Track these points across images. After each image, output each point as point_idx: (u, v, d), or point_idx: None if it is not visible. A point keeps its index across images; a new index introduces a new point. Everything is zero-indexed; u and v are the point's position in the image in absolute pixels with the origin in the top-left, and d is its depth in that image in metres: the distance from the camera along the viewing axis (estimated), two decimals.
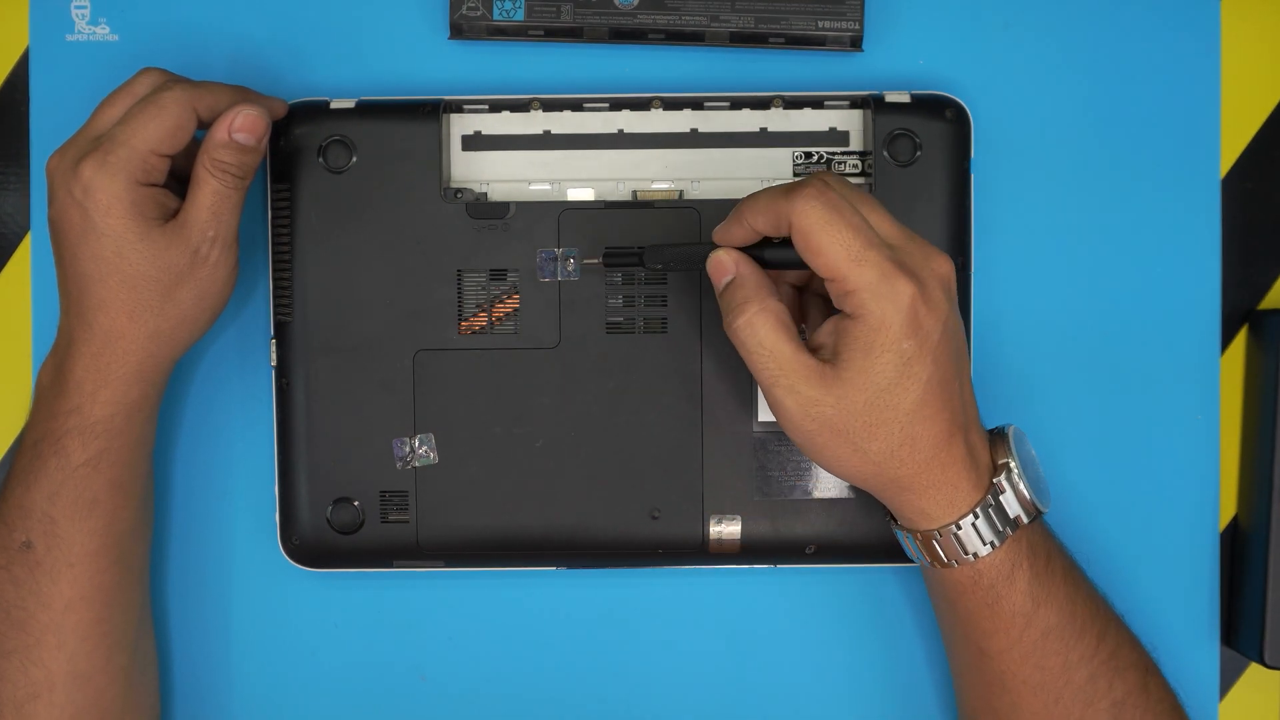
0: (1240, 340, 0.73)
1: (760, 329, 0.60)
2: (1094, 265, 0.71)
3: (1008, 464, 0.62)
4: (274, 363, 0.69)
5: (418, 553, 0.69)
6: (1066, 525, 0.71)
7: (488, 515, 0.69)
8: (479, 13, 0.70)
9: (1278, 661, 0.70)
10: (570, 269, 0.68)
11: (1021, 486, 0.62)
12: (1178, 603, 0.72)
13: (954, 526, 0.61)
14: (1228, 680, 0.72)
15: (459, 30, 0.70)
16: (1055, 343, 0.71)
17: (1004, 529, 0.61)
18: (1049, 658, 0.62)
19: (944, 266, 0.60)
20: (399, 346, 0.69)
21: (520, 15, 0.70)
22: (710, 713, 0.72)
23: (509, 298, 0.69)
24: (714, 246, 0.62)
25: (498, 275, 0.68)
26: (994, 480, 0.62)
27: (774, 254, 0.61)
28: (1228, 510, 0.73)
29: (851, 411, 0.59)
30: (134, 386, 0.64)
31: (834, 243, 0.58)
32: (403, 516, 0.69)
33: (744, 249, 0.62)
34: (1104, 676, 0.63)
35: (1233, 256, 0.72)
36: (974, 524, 0.61)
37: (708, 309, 0.68)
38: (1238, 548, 0.72)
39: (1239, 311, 0.72)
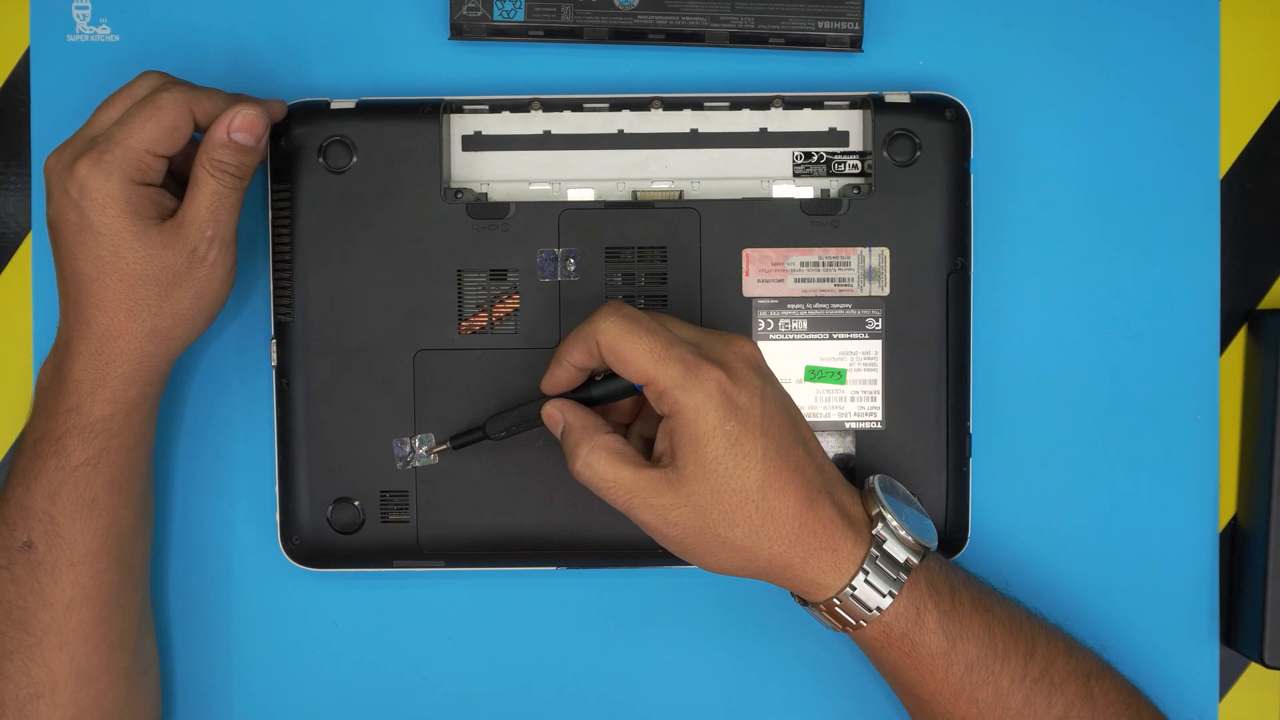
0: (1240, 340, 0.73)
1: (596, 464, 0.62)
2: (1094, 265, 0.71)
3: (880, 513, 0.63)
4: (274, 363, 0.69)
5: (418, 553, 0.69)
6: (1066, 526, 0.71)
7: (488, 515, 0.69)
8: (479, 13, 0.70)
9: (1277, 661, 0.70)
10: (570, 269, 0.68)
11: (901, 531, 0.62)
12: (1178, 603, 0.72)
13: (849, 588, 0.61)
14: (1227, 680, 0.72)
15: (459, 30, 0.70)
16: (1055, 342, 0.71)
17: (898, 575, 0.62)
18: (979, 689, 0.63)
19: (746, 347, 0.62)
20: (399, 346, 0.69)
21: (520, 15, 0.70)
22: (710, 713, 0.72)
23: (509, 298, 0.69)
24: (546, 400, 0.64)
25: (498, 275, 0.68)
26: (873, 532, 0.62)
27: (599, 390, 0.64)
28: (1227, 510, 0.73)
29: (703, 505, 0.60)
30: (132, 385, 0.64)
31: (636, 348, 0.60)
32: (403, 516, 0.69)
33: (573, 393, 0.64)
34: (1040, 695, 0.63)
35: (1232, 256, 0.72)
36: (867, 580, 0.61)
37: (707, 309, 0.68)
38: (1237, 548, 0.72)
39: (1239, 311, 0.72)
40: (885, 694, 0.72)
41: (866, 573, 0.61)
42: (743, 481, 0.60)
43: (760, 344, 0.65)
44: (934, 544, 0.63)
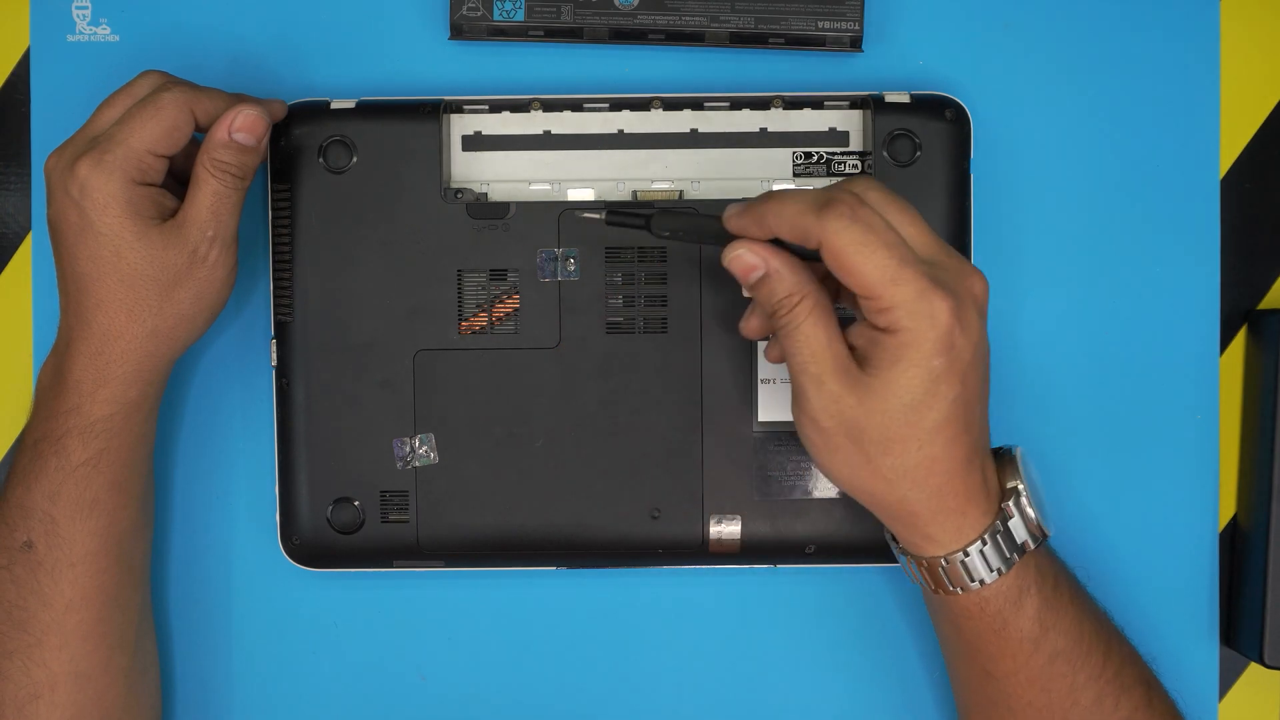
0: (1240, 340, 0.73)
1: (816, 322, 0.58)
2: (1093, 265, 0.71)
3: (1016, 488, 0.61)
4: (274, 363, 0.69)
5: (418, 553, 0.69)
6: (1066, 526, 0.71)
7: (488, 515, 0.69)
8: (479, 13, 0.70)
9: (1277, 661, 0.70)
10: (570, 269, 0.68)
11: (1030, 511, 0.61)
12: (1178, 603, 0.72)
13: (961, 554, 0.60)
14: (1227, 680, 0.72)
15: (459, 30, 0.70)
16: (1055, 342, 0.71)
17: (1011, 555, 0.60)
18: (1055, 680, 0.62)
19: (979, 285, 0.59)
20: (399, 346, 0.69)
21: (520, 15, 0.70)
22: (710, 713, 0.72)
23: (509, 298, 0.69)
24: (725, 219, 0.60)
25: (498, 275, 0.68)
26: (1003, 505, 0.60)
27: (796, 246, 0.59)
28: (1227, 510, 0.73)
29: (870, 420, 0.58)
30: (133, 386, 0.64)
31: (869, 264, 0.56)
32: (403, 516, 0.69)
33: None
34: (1110, 696, 0.62)
35: (1232, 256, 0.72)
36: (981, 551, 0.60)
37: (708, 309, 0.68)
38: (1237, 548, 0.72)
39: (1239, 311, 0.72)
40: (888, 694, 0.72)
41: (984, 543, 0.59)
42: (921, 418, 0.58)
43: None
44: (1053, 531, 0.62)
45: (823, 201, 0.57)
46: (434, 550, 0.69)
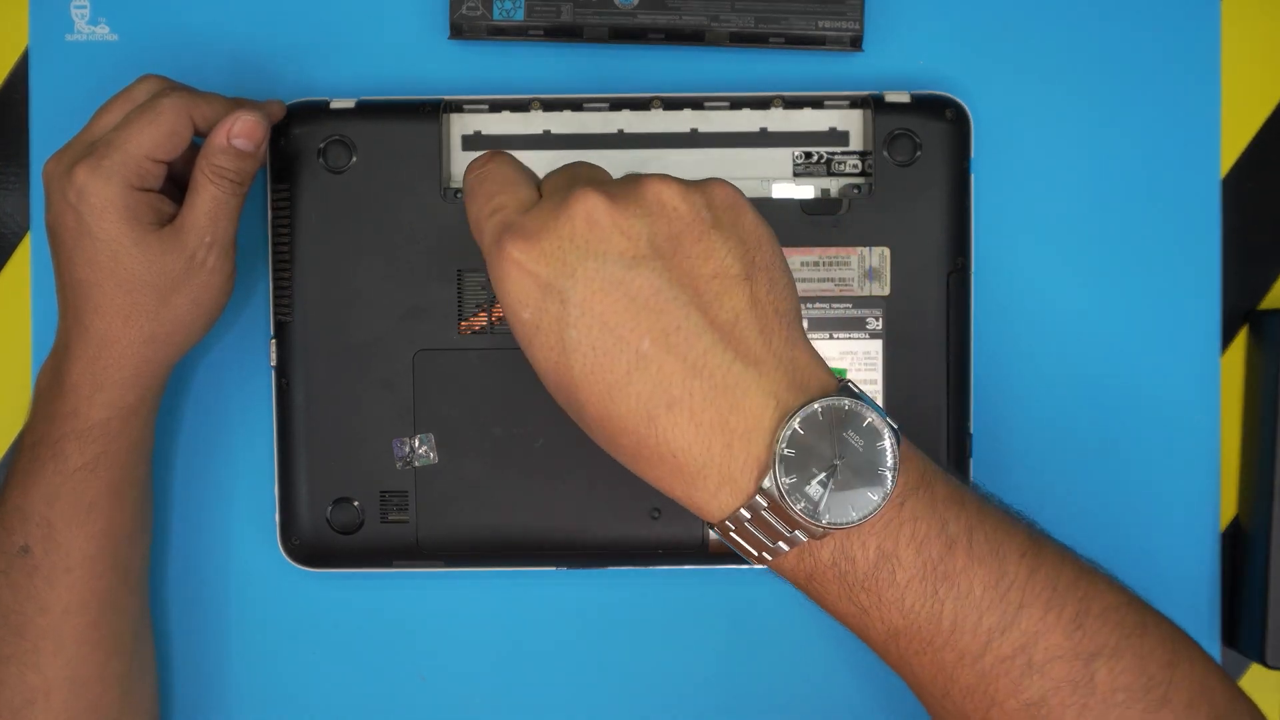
0: (1240, 340, 0.73)
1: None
2: (1094, 265, 0.71)
3: (773, 466, 0.49)
4: (274, 363, 0.69)
5: (417, 553, 0.69)
6: (1066, 525, 0.71)
7: (487, 515, 0.69)
8: (479, 12, 0.70)
9: (1278, 662, 0.70)
10: None
11: (795, 506, 0.48)
12: (1178, 603, 0.72)
13: (711, 529, 0.51)
14: None
15: (459, 30, 0.70)
16: (1055, 342, 0.71)
17: (775, 544, 0.50)
18: (913, 658, 0.52)
19: (585, 203, 0.50)
20: (399, 346, 0.69)
21: (520, 15, 0.70)
22: (710, 713, 0.72)
23: None
24: None
25: None
26: (762, 485, 0.49)
27: None
28: (1228, 510, 0.73)
29: (543, 374, 0.52)
30: (130, 390, 0.64)
31: (469, 205, 0.54)
32: (402, 516, 0.69)
33: None
34: (1004, 676, 0.51)
35: (1232, 257, 0.72)
36: (733, 534, 0.50)
37: None
38: (1238, 548, 0.72)
39: (1239, 311, 0.72)
40: (887, 693, 0.72)
41: (731, 528, 0.50)
42: (560, 378, 0.51)
43: None
44: (846, 521, 0.49)
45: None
46: (434, 550, 0.69)
